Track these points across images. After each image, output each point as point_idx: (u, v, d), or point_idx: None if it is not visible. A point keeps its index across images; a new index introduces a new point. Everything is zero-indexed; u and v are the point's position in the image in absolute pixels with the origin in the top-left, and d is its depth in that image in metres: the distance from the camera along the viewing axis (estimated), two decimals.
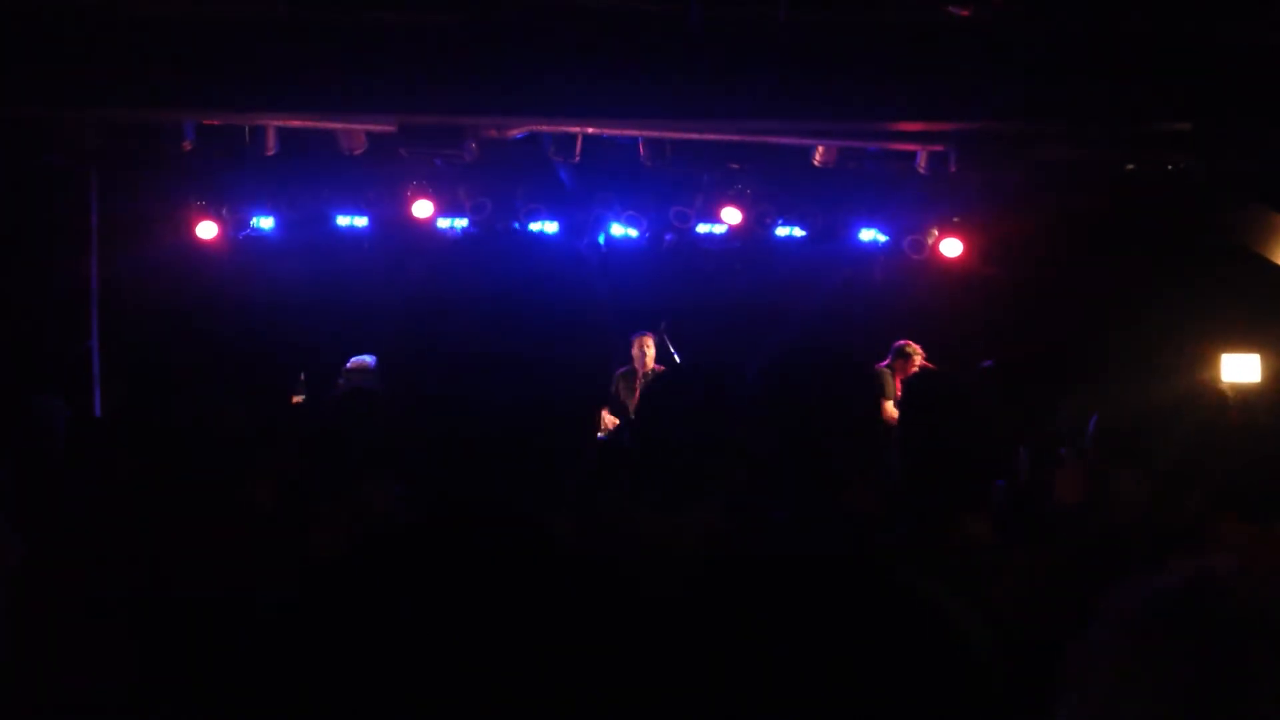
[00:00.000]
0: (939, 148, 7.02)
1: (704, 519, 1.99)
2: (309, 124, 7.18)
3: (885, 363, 7.73)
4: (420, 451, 1.15)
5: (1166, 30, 6.04)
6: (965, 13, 5.90)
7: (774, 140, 7.45)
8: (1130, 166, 7.79)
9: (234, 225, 9.05)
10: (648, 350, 8.07)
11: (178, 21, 6.16)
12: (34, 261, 8.01)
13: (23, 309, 7.76)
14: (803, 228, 9.24)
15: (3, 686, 1.65)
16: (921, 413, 2.36)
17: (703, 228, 9.25)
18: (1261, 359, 8.31)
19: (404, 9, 6.20)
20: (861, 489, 1.87)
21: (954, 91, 6.28)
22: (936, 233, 9.16)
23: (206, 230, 8.92)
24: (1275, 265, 7.50)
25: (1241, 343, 8.35)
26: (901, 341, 7.79)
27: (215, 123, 7.21)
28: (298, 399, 7.46)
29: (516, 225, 8.67)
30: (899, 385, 7.04)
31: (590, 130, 7.13)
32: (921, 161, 7.27)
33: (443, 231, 9.05)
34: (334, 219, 9.19)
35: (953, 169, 6.94)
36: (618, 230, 9.26)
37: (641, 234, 9.26)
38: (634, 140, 7.52)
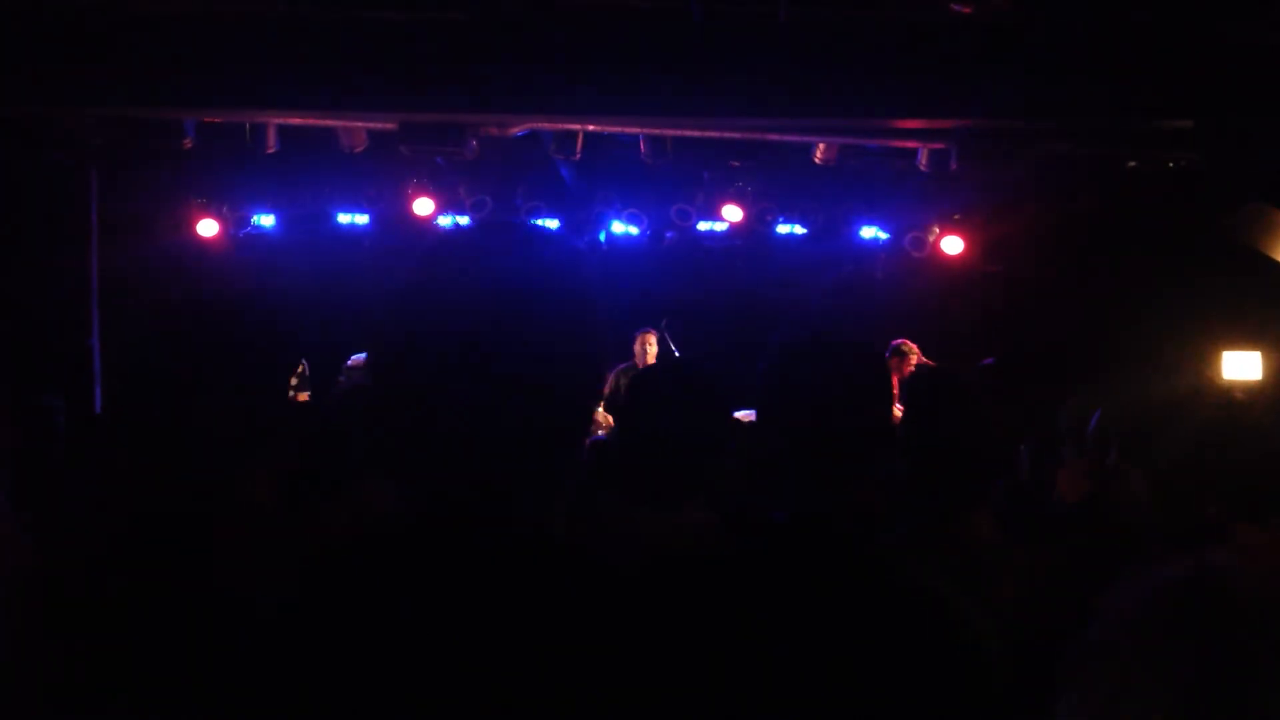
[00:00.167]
0: (940, 145, 7.02)
1: (701, 518, 1.99)
2: (310, 122, 7.18)
3: None
4: (411, 450, 1.13)
5: (1168, 27, 6.04)
6: (967, 10, 5.89)
7: (775, 138, 7.45)
8: (1131, 164, 7.78)
9: (235, 223, 9.06)
10: (649, 347, 8.07)
11: (178, 19, 6.16)
12: (35, 259, 8.01)
13: (23, 307, 7.76)
14: (804, 225, 9.24)
15: (4, 686, 1.65)
16: (924, 410, 2.36)
17: (704, 225, 9.25)
18: (1262, 356, 8.30)
19: (404, 7, 6.20)
20: (864, 487, 1.86)
21: (954, 89, 6.28)
22: (937, 230, 9.16)
23: (207, 228, 8.92)
24: (1276, 263, 7.49)
25: (1243, 340, 8.34)
26: (898, 340, 7.79)
27: (216, 120, 7.21)
28: (298, 386, 7.47)
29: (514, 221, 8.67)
30: (895, 384, 7.03)
31: (591, 128, 7.12)
32: (923, 159, 7.26)
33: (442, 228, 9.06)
34: (335, 217, 9.20)
35: (954, 167, 6.94)
36: (619, 228, 9.27)
37: (642, 231, 9.27)
38: (635, 138, 7.51)
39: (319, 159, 8.05)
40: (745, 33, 6.23)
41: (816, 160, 7.53)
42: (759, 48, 6.22)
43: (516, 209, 8.92)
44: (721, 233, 9.31)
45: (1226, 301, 8.01)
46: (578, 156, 7.33)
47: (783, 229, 9.24)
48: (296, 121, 7.17)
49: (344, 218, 9.21)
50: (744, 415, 4.90)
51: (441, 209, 8.91)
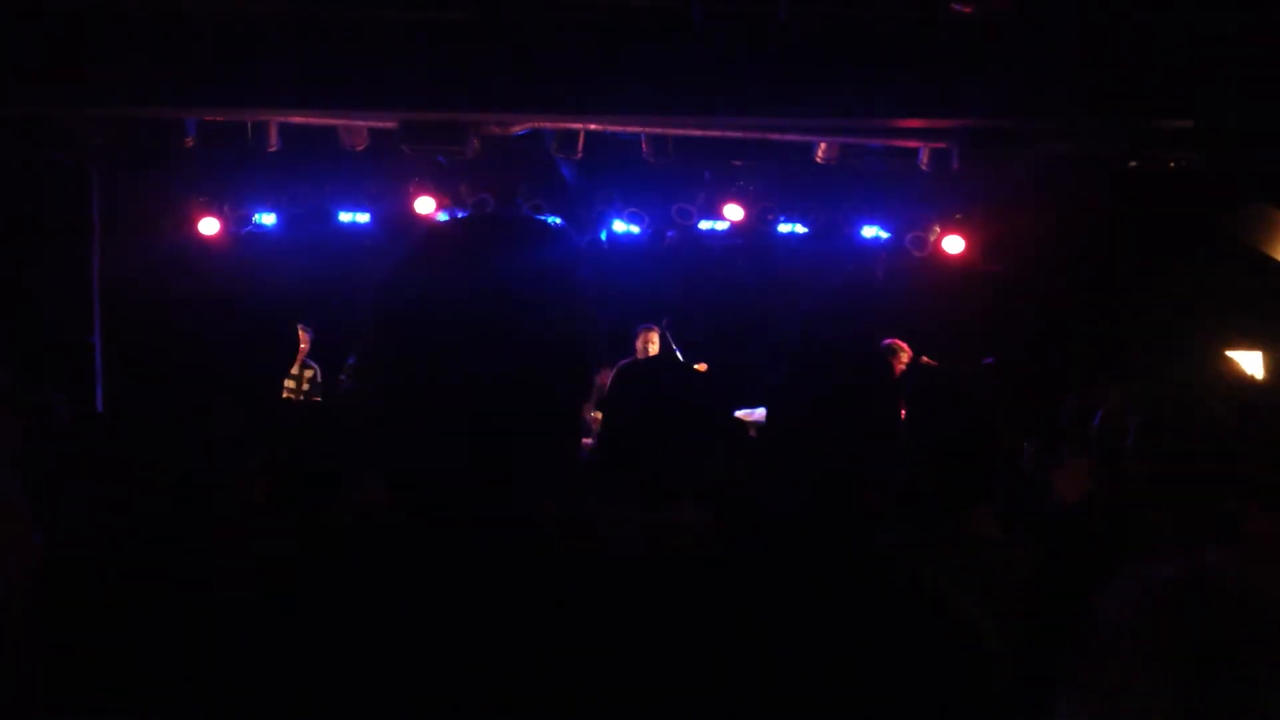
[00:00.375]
0: (941, 145, 7.02)
1: (694, 517, 1.99)
2: (311, 120, 7.18)
3: None
4: (402, 447, 1.12)
5: (1168, 27, 6.04)
6: (968, 9, 5.90)
7: (776, 137, 7.45)
8: (1132, 163, 7.78)
9: (236, 221, 9.05)
10: (651, 345, 8.07)
11: (179, 18, 6.16)
12: (36, 258, 8.02)
13: (25, 304, 7.77)
14: (805, 224, 9.23)
15: (5, 686, 1.66)
16: (925, 410, 2.36)
17: (705, 224, 9.24)
18: (1264, 356, 8.30)
19: (405, 6, 6.20)
20: (866, 485, 1.86)
21: (955, 88, 6.29)
22: (939, 230, 9.15)
23: (209, 226, 8.92)
24: (1277, 262, 7.49)
25: (1245, 340, 8.33)
26: (889, 340, 7.78)
27: (217, 119, 7.21)
28: (310, 391, 7.49)
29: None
30: None
31: (592, 127, 7.13)
32: (924, 158, 7.27)
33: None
34: (336, 215, 9.19)
35: (955, 166, 6.94)
36: (620, 226, 9.26)
37: (644, 230, 9.27)
38: (637, 137, 7.51)
39: (320, 158, 8.05)
40: (746, 32, 6.24)
41: (818, 159, 7.53)
42: (760, 46, 6.23)
43: (517, 208, 8.92)
44: (723, 232, 9.31)
45: (1228, 301, 8.00)
46: (579, 155, 7.33)
47: (784, 228, 9.23)
48: (298, 120, 7.17)
49: (345, 216, 9.20)
50: (744, 415, 4.90)
51: (442, 207, 8.90)
